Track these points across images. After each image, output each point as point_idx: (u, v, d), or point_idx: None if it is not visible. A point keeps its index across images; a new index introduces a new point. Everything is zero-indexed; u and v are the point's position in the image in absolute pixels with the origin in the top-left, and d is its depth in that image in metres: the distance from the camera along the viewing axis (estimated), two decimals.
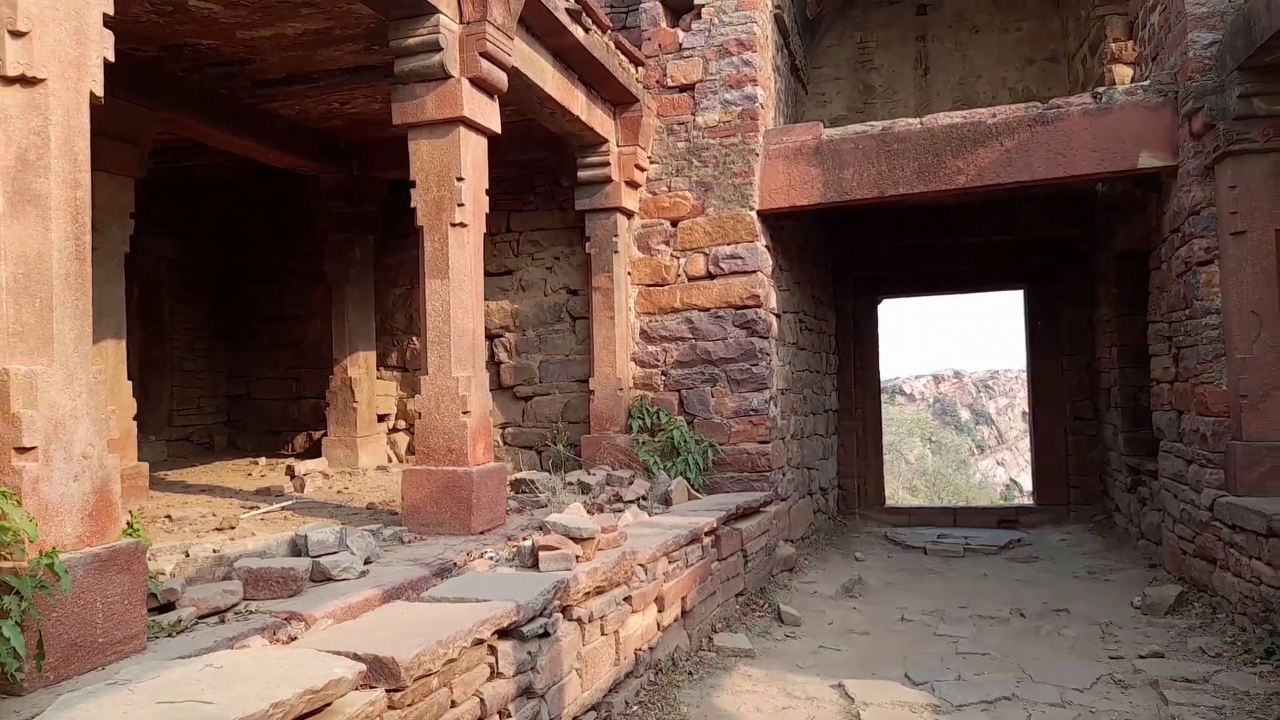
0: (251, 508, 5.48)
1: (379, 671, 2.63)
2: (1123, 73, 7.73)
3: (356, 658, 2.60)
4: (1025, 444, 30.29)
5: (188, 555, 3.73)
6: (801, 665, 4.97)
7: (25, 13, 2.38)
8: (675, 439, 6.78)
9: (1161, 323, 6.87)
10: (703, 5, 7.01)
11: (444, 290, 4.59)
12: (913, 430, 31.48)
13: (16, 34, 2.37)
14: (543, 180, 7.60)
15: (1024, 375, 31.29)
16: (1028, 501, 21.27)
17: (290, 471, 6.88)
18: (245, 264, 8.80)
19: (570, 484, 6.19)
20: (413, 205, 4.62)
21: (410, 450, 8.13)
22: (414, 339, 8.21)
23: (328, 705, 2.41)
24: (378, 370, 8.10)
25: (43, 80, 2.43)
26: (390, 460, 8.08)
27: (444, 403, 4.60)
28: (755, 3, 6.93)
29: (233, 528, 4.73)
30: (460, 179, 4.53)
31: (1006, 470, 31.44)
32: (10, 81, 2.38)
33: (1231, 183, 5.61)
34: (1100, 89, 6.56)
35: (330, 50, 5.48)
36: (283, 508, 5.49)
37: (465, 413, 4.58)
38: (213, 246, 8.82)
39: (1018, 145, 6.45)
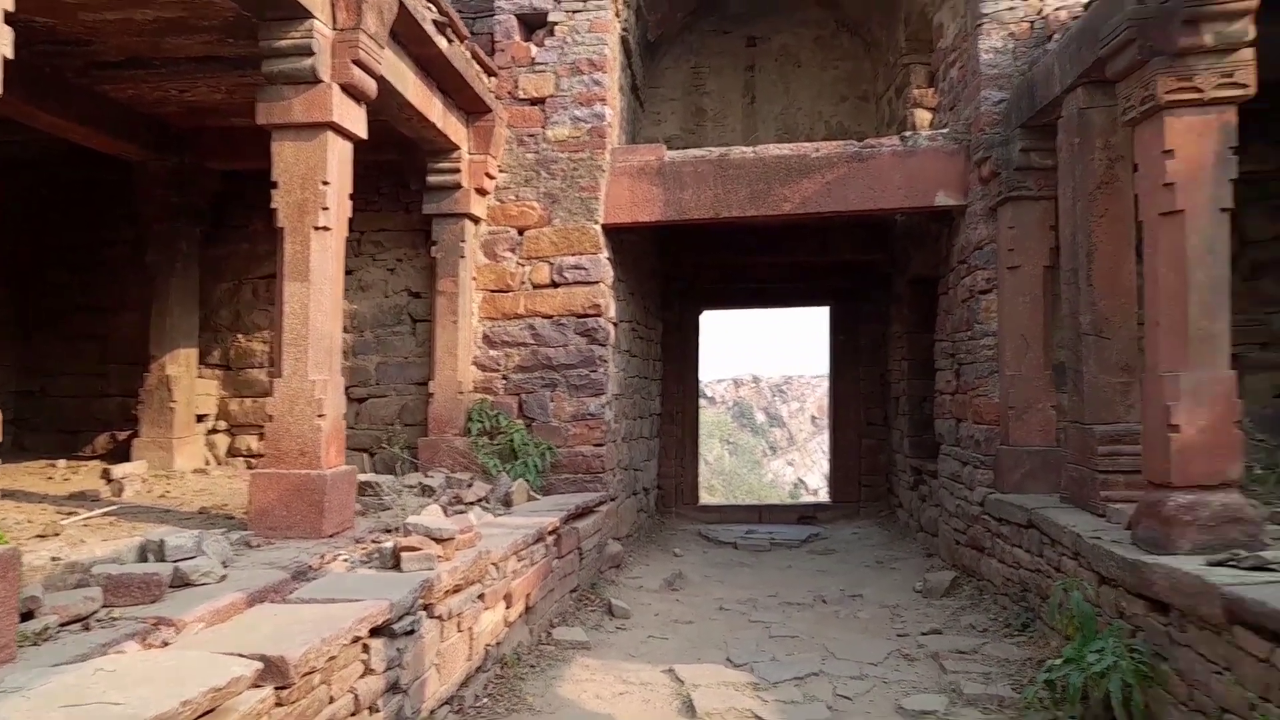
0: (70, 513, 5.16)
1: (267, 670, 2.72)
2: (923, 116, 8.69)
3: (243, 658, 2.69)
4: (813, 445, 32.52)
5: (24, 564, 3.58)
6: (633, 654, 5.33)
7: None
8: (515, 442, 6.98)
9: (946, 341, 7.79)
10: (556, 23, 7.25)
11: (303, 293, 4.57)
12: (713, 432, 32.84)
13: None
14: (388, 182, 7.54)
15: (815, 381, 33.46)
16: (816, 498, 22.97)
17: (106, 475, 6.48)
18: (49, 250, 8.07)
19: (411, 486, 6.24)
20: (274, 206, 4.56)
21: (230, 452, 7.83)
22: (239, 336, 7.90)
23: (220, 704, 2.49)
24: (198, 368, 7.73)
25: None
26: (209, 463, 7.74)
27: (298, 405, 4.58)
28: (607, 25, 7.26)
29: (57, 534, 4.47)
30: (325, 183, 4.53)
31: (796, 470, 33.55)
32: None
33: (1011, 224, 6.44)
34: (908, 133, 7.38)
35: (180, 39, 5.25)
36: (105, 513, 5.21)
37: (320, 416, 4.58)
38: (11, 229, 8.05)
39: (837, 178, 7.14)
